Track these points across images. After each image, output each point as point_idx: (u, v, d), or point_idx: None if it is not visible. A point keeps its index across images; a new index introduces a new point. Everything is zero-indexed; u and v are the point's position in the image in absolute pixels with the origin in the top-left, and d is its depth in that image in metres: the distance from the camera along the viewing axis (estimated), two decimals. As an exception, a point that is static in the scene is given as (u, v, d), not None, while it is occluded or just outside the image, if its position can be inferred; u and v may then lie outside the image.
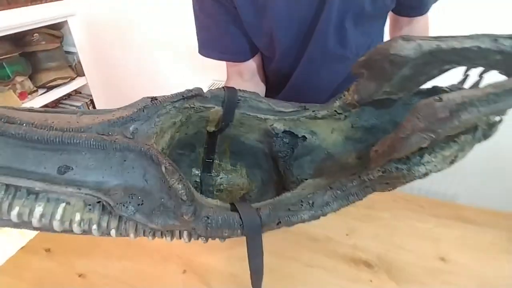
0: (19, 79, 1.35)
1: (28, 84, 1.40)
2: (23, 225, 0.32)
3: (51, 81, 1.46)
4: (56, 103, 1.60)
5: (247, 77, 0.65)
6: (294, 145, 0.46)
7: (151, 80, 1.64)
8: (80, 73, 1.63)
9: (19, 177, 0.28)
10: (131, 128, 0.32)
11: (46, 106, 1.51)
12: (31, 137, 0.28)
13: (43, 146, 0.29)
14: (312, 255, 0.55)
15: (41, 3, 1.40)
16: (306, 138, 0.46)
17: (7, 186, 0.29)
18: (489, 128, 0.34)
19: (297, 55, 0.59)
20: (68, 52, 1.61)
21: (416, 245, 0.58)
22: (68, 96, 1.66)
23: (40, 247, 0.64)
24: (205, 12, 0.59)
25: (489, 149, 1.22)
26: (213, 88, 0.45)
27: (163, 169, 0.28)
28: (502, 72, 0.33)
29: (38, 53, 1.43)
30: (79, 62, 1.61)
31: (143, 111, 0.33)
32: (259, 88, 0.68)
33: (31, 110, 0.33)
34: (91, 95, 1.69)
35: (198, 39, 0.63)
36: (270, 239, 0.39)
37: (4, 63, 1.29)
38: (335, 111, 0.43)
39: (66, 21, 1.50)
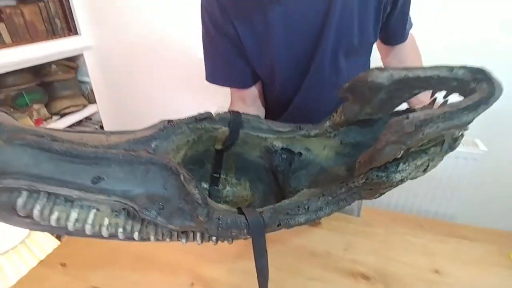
0: (36, 106, 1.43)
1: (44, 112, 1.48)
2: (58, 229, 0.36)
3: (65, 108, 1.55)
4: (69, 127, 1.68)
5: (249, 102, 0.72)
6: (291, 160, 0.52)
7: (158, 107, 1.73)
8: (91, 100, 1.72)
9: (60, 186, 0.33)
10: (152, 145, 0.37)
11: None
12: (71, 152, 0.34)
13: (81, 160, 0.34)
14: (312, 269, 0.59)
15: (60, 37, 1.51)
16: (302, 154, 0.52)
17: (49, 194, 0.34)
18: (454, 142, 0.40)
19: (296, 83, 0.66)
20: (81, 82, 1.71)
21: (411, 258, 0.62)
22: (79, 122, 1.74)
23: (57, 262, 0.68)
24: (212, 43, 0.66)
25: (488, 172, 1.27)
26: (220, 112, 0.51)
27: (182, 178, 0.33)
28: (459, 94, 0.39)
29: (54, 83, 1.52)
30: (91, 90, 1.70)
31: (163, 131, 0.39)
32: (260, 112, 0.74)
33: (68, 130, 0.39)
34: (101, 121, 1.77)
35: (205, 67, 0.70)
36: (273, 255, 0.43)
37: (23, 92, 1.38)
38: (326, 130, 0.50)
39: (82, 54, 1.61)
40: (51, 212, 0.34)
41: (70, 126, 1.69)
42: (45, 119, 1.48)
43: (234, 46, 0.64)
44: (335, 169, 0.50)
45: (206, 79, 0.71)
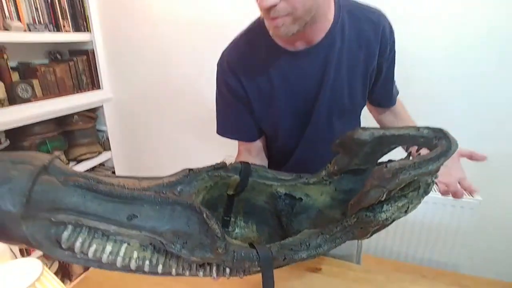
0: (56, 153, 1.54)
1: (63, 158, 1.58)
2: (93, 262, 0.41)
3: (82, 155, 1.65)
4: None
5: (254, 154, 0.81)
6: (293, 205, 0.59)
7: (168, 154, 1.83)
8: (106, 148, 1.83)
9: (100, 222, 0.39)
10: (178, 189, 0.45)
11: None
12: (112, 193, 0.41)
13: (120, 200, 0.41)
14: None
15: (84, 91, 1.68)
16: (302, 199, 0.59)
17: (90, 229, 0.40)
18: (427, 187, 0.48)
19: (296, 139, 0.76)
20: (98, 130, 1.84)
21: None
22: (93, 168, 1.83)
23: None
24: (224, 102, 0.77)
25: (485, 221, 1.30)
26: (232, 162, 0.59)
27: (205, 215, 0.40)
28: (426, 148, 0.48)
29: (75, 131, 1.65)
30: (107, 138, 1.83)
31: (187, 177, 0.47)
32: (264, 162, 0.83)
33: (108, 175, 0.47)
34: (113, 168, 1.86)
35: (217, 121, 0.80)
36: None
37: (47, 140, 1.50)
38: (323, 178, 0.57)
39: (102, 105, 1.76)
40: (90, 245, 0.39)
41: (85, 172, 1.78)
42: (63, 165, 1.57)
43: (243, 106, 0.74)
44: (331, 212, 0.57)
45: (217, 132, 0.80)
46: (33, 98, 1.43)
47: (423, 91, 1.29)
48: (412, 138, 0.49)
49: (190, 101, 1.65)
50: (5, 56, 1.37)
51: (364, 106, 0.80)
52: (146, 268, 0.42)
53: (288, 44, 0.67)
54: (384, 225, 0.49)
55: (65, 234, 0.38)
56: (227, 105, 0.77)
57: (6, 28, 1.31)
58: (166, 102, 1.72)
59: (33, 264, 1.14)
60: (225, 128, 0.80)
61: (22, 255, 1.38)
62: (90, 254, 0.39)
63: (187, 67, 1.59)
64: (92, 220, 0.39)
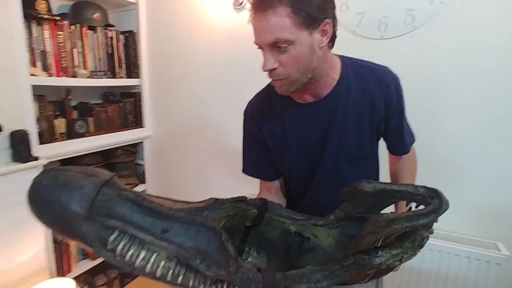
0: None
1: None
2: (128, 265, 0.47)
3: (120, 185, 1.82)
4: (118, 203, 1.92)
5: (273, 192, 0.89)
6: (302, 243, 0.64)
7: (197, 188, 1.95)
8: (141, 180, 1.99)
9: (140, 231, 0.48)
10: (204, 214, 0.54)
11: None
12: (153, 209, 0.50)
13: (158, 216, 0.50)
14: None
15: (129, 129, 1.89)
16: (310, 239, 0.64)
17: (131, 236, 0.48)
18: (422, 240, 0.53)
19: (307, 181, 0.83)
20: (137, 164, 2.02)
21: None
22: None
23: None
24: (248, 145, 0.88)
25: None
26: (252, 198, 0.68)
27: (223, 237, 0.48)
28: (422, 205, 0.54)
29: (117, 164, 1.83)
30: (144, 172, 1.99)
31: (213, 204, 0.56)
32: (281, 200, 0.90)
33: (151, 195, 0.57)
34: (146, 199, 2.00)
35: (243, 162, 0.91)
36: None
37: (92, 170, 1.68)
38: (330, 222, 0.64)
39: (142, 141, 1.96)
40: (128, 250, 0.47)
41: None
42: (103, 193, 1.73)
43: (262, 150, 0.85)
44: (335, 254, 0.62)
45: (242, 171, 0.91)
46: (87, 133, 1.65)
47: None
48: (409, 194, 0.55)
49: (219, 141, 1.79)
50: (69, 97, 1.62)
51: (375, 153, 0.85)
52: (169, 277, 0.48)
53: (298, 97, 0.77)
54: (379, 269, 0.53)
55: (112, 237, 0.47)
56: (250, 148, 0.89)
57: (74, 75, 1.57)
58: (197, 142, 1.88)
59: (68, 283, 1.26)
60: (249, 167, 0.90)
61: (58, 275, 1.50)
62: (127, 258, 0.47)
63: (219, 111, 1.77)
64: (134, 229, 0.48)
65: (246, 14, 1.57)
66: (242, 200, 0.63)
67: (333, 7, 0.67)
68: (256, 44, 0.67)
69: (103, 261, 1.75)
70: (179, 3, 1.75)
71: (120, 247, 0.47)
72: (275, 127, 0.81)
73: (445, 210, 0.49)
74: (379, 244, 0.50)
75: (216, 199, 0.59)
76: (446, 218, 1.31)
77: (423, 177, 1.32)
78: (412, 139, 0.89)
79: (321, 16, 0.63)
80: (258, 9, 0.61)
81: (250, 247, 0.66)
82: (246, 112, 0.86)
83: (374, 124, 0.79)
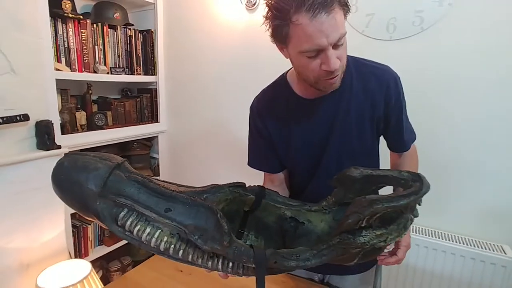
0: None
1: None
2: (136, 240, 0.53)
3: (135, 177, 1.91)
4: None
5: (277, 184, 0.94)
6: (297, 227, 0.68)
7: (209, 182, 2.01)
8: (156, 173, 2.08)
9: (146, 209, 0.53)
10: (204, 196, 0.59)
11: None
12: (158, 190, 0.55)
13: (162, 196, 0.55)
14: None
15: (145, 123, 1.98)
16: (305, 223, 0.68)
17: (138, 213, 0.54)
18: (406, 222, 0.55)
19: (310, 175, 0.87)
20: (151, 157, 2.11)
21: None
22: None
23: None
24: (254, 140, 0.93)
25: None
26: (251, 185, 0.72)
27: (219, 215, 0.53)
28: (404, 187, 0.57)
29: (132, 156, 1.92)
30: (158, 165, 2.08)
31: (213, 188, 0.61)
32: (285, 192, 0.94)
33: (158, 179, 0.62)
34: (159, 191, 2.08)
35: (248, 155, 0.96)
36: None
37: (110, 161, 1.78)
38: (323, 207, 0.67)
39: (157, 136, 2.04)
40: (135, 225, 0.53)
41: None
42: (119, 184, 1.83)
43: (267, 144, 0.89)
44: (327, 238, 0.64)
45: (248, 164, 0.96)
46: (106, 126, 1.74)
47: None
48: (394, 179, 0.58)
49: (230, 138, 1.85)
50: (90, 91, 1.72)
51: (376, 150, 0.88)
52: (171, 251, 0.53)
53: (303, 93, 0.81)
54: (365, 250, 0.56)
55: (121, 214, 0.53)
56: (255, 142, 0.93)
57: (95, 71, 1.67)
58: (209, 138, 1.95)
59: (84, 264, 1.35)
60: (254, 160, 0.95)
61: (76, 257, 1.60)
62: (135, 233, 0.53)
63: (230, 109, 1.82)
64: (141, 207, 0.54)
65: (258, 14, 1.62)
66: (240, 185, 0.67)
67: None
68: (315, 49, 0.65)
69: (117, 248, 1.85)
70: (194, 4, 1.82)
71: (128, 223, 0.53)
72: (280, 122, 0.85)
73: (425, 192, 0.51)
74: (363, 224, 0.52)
75: (216, 185, 0.64)
76: (452, 219, 1.33)
77: (429, 179, 1.34)
78: (413, 137, 0.91)
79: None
80: (322, 9, 0.60)
81: (249, 231, 0.70)
82: (252, 107, 0.91)
83: (374, 122, 0.81)
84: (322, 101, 0.80)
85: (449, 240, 1.32)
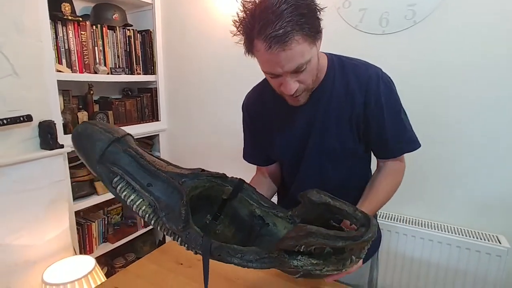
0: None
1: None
2: (123, 201, 0.62)
3: (137, 175, 1.94)
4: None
5: (266, 175, 0.97)
6: (262, 227, 0.70)
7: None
8: (157, 171, 2.11)
9: (133, 180, 0.61)
10: (183, 180, 0.63)
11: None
12: (144, 167, 0.62)
13: (147, 172, 0.62)
14: None
15: (146, 122, 2.01)
16: (269, 225, 0.70)
17: (127, 182, 0.62)
18: (345, 261, 0.55)
19: (293, 171, 0.89)
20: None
21: None
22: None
23: (111, 286, 0.91)
24: (245, 134, 0.97)
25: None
26: (234, 177, 0.72)
27: (182, 202, 0.58)
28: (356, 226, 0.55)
29: (134, 155, 1.96)
30: (159, 163, 2.11)
31: (192, 174, 0.65)
32: (275, 182, 0.97)
33: (151, 154, 0.67)
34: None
35: (243, 150, 1.00)
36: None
37: (112, 159, 1.81)
38: (288, 216, 0.68)
39: (158, 134, 2.08)
40: (124, 190, 0.62)
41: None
42: (121, 182, 1.87)
43: (255, 139, 0.92)
44: (271, 248, 0.65)
45: (243, 158, 1.00)
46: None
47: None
48: (348, 215, 0.56)
49: (230, 135, 1.88)
50: (91, 92, 1.76)
51: (360, 152, 0.83)
52: (146, 219, 0.62)
53: None
54: (304, 272, 0.57)
55: (115, 179, 0.62)
56: (245, 137, 0.97)
57: (95, 71, 1.70)
58: (210, 135, 1.98)
59: (88, 260, 1.39)
60: (246, 154, 0.99)
61: (80, 253, 1.65)
62: (122, 196, 0.62)
63: (230, 107, 1.85)
64: (129, 178, 0.62)
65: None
66: (220, 176, 0.69)
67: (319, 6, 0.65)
68: (272, 73, 0.67)
69: (121, 245, 1.89)
70: (192, 3, 1.85)
71: (119, 187, 0.62)
72: (265, 120, 0.88)
73: (366, 241, 0.50)
74: (301, 250, 0.53)
75: (202, 170, 0.68)
76: (447, 210, 1.35)
77: (424, 170, 1.36)
78: (404, 147, 0.81)
79: (320, 24, 0.65)
80: (277, 43, 0.59)
81: (225, 216, 0.73)
82: (243, 104, 0.94)
83: (353, 124, 0.78)
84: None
85: (444, 231, 1.33)
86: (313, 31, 0.62)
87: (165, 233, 0.63)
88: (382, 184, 0.81)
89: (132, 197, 0.62)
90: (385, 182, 0.81)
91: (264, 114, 0.87)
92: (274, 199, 0.97)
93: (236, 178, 0.72)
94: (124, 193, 0.62)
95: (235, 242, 0.63)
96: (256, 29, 0.61)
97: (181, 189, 0.60)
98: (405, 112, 0.81)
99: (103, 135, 0.63)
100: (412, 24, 1.30)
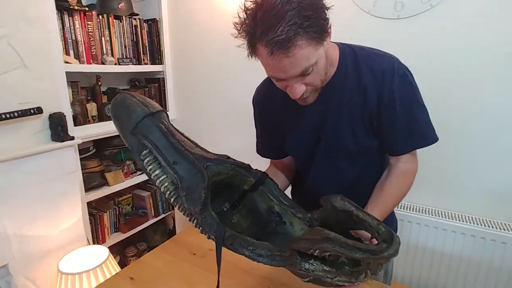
0: (127, 162, 1.85)
1: (132, 167, 1.89)
2: (148, 174, 0.64)
3: (147, 165, 1.95)
4: (145, 182, 2.06)
5: (280, 168, 0.95)
6: (279, 224, 0.70)
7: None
8: (167, 161, 2.12)
9: (160, 156, 0.62)
10: (207, 164, 0.64)
11: (138, 184, 1.96)
12: (173, 145, 0.64)
13: (175, 150, 0.63)
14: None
15: (154, 112, 2.00)
16: (286, 223, 0.69)
17: (154, 156, 0.63)
18: (359, 275, 0.53)
19: (307, 166, 0.86)
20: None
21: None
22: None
23: (127, 276, 0.92)
24: (258, 129, 0.95)
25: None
26: (258, 169, 0.73)
27: (204, 185, 0.58)
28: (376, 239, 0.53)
29: (143, 145, 1.96)
30: (168, 153, 2.11)
31: (218, 160, 0.66)
32: (285, 180, 0.94)
33: (181, 133, 0.68)
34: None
35: (256, 143, 0.98)
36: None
37: (121, 150, 1.82)
38: (306, 219, 0.67)
39: (166, 125, 2.07)
40: (150, 164, 0.64)
41: (146, 180, 2.08)
42: (132, 173, 1.88)
43: (267, 133, 0.91)
44: (284, 246, 0.64)
45: (256, 152, 0.98)
46: (116, 116, 1.77)
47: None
48: (371, 228, 0.53)
49: (238, 124, 1.86)
50: (99, 83, 1.75)
51: (374, 148, 0.79)
52: (167, 195, 0.64)
53: None
54: (308, 275, 0.55)
55: (144, 152, 0.64)
56: (257, 131, 0.95)
57: (103, 62, 1.69)
58: (217, 124, 1.97)
59: (102, 250, 1.41)
60: (259, 148, 0.97)
61: (93, 243, 1.67)
62: (148, 169, 0.64)
63: (238, 96, 1.83)
64: (157, 153, 0.64)
65: None
66: (244, 167, 0.69)
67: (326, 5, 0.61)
68: (276, 78, 0.65)
69: (133, 235, 1.92)
70: (198, -10, 1.81)
71: (146, 160, 0.64)
72: (275, 116, 0.85)
73: (386, 258, 0.47)
74: (315, 254, 0.51)
75: (228, 157, 0.69)
76: (461, 199, 1.33)
77: (439, 158, 1.33)
78: (417, 143, 0.77)
79: (328, 23, 0.61)
80: (279, 49, 0.57)
81: (243, 206, 0.73)
82: (253, 98, 0.91)
83: (366, 120, 0.74)
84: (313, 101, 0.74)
85: (459, 220, 1.31)
86: (319, 33, 0.58)
87: (182, 213, 0.64)
88: (393, 187, 0.76)
89: (157, 171, 0.63)
90: (396, 184, 0.77)
91: (273, 110, 0.85)
92: (288, 191, 0.96)
93: (260, 171, 0.71)
94: (150, 167, 0.63)
95: (248, 234, 0.63)
96: (257, 33, 0.58)
97: (204, 172, 0.61)
98: (422, 105, 0.76)
99: (139, 108, 0.65)
100: (429, 8, 1.25)
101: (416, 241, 1.38)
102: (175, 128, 0.69)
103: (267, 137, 0.92)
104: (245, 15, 0.61)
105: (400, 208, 1.43)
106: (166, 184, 0.63)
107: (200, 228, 0.63)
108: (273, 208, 0.70)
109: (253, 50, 0.63)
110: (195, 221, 0.63)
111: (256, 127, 0.95)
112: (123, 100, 0.67)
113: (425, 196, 1.43)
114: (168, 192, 0.63)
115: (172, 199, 0.63)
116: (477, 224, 1.28)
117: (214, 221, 0.61)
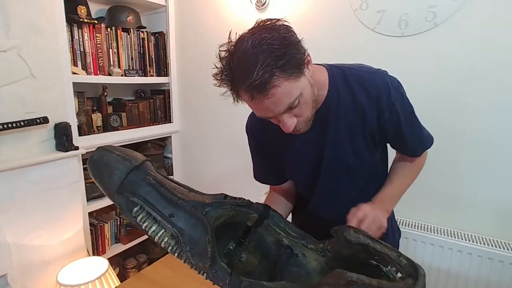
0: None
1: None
2: (144, 232, 0.60)
3: (150, 176, 1.95)
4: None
5: (280, 193, 0.93)
6: (290, 257, 0.66)
7: (220, 183, 2.03)
8: (169, 173, 2.11)
9: (153, 211, 0.58)
10: (206, 209, 0.60)
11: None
12: (166, 196, 0.59)
13: (169, 202, 0.59)
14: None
15: (159, 124, 2.01)
16: (298, 256, 0.65)
17: (147, 212, 0.59)
18: None
19: (309, 190, 0.85)
20: (165, 157, 2.15)
21: None
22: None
23: None
24: (253, 155, 0.92)
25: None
26: (259, 202, 0.70)
27: (208, 238, 0.55)
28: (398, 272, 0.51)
29: (146, 156, 1.96)
30: (171, 165, 2.11)
31: (216, 203, 0.62)
32: (289, 201, 0.93)
33: (172, 181, 0.64)
34: (173, 190, 2.13)
35: (253, 170, 0.95)
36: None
37: (125, 161, 1.82)
38: (319, 249, 0.63)
39: (170, 136, 2.08)
40: (144, 221, 0.59)
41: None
42: (134, 183, 1.88)
43: (264, 159, 0.88)
44: (314, 278, 0.62)
45: (254, 178, 0.95)
46: (120, 127, 1.79)
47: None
48: (391, 260, 0.51)
49: (242, 138, 1.85)
50: (105, 93, 1.77)
51: (376, 160, 0.81)
52: (169, 250, 0.59)
53: None
54: None
55: (135, 210, 0.59)
56: (253, 157, 0.93)
57: (109, 73, 1.71)
58: (221, 137, 1.97)
59: (102, 262, 1.39)
60: (256, 175, 0.95)
61: (93, 254, 1.66)
62: (143, 227, 0.60)
63: (241, 109, 1.82)
64: (149, 208, 0.59)
65: (268, 14, 1.62)
66: (245, 205, 0.66)
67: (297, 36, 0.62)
68: (266, 117, 0.65)
69: (133, 246, 1.90)
70: (205, 5, 1.83)
71: (139, 217, 0.59)
72: (271, 144, 0.83)
73: None
74: None
75: (225, 196, 0.65)
76: (469, 218, 1.30)
77: (446, 176, 1.32)
78: (424, 145, 0.83)
79: (303, 55, 0.61)
80: (258, 93, 0.57)
81: (249, 242, 0.70)
82: (246, 126, 0.89)
83: (367, 136, 0.75)
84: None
85: (466, 240, 1.28)
86: (295, 68, 0.58)
87: (189, 267, 0.60)
88: (406, 169, 0.85)
89: (153, 228, 0.59)
90: (408, 168, 0.85)
91: (268, 138, 0.83)
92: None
93: (261, 204, 0.68)
94: (145, 224, 0.59)
95: (260, 270, 0.61)
96: (236, 80, 0.59)
97: (204, 221, 0.58)
98: (413, 109, 0.80)
99: (120, 164, 0.59)
100: (433, 26, 1.25)
101: (421, 260, 1.35)
102: (163, 176, 0.65)
103: (265, 164, 0.89)
104: (221, 65, 0.62)
105: (405, 225, 1.41)
106: (166, 239, 0.59)
107: (212, 282, 0.59)
108: (282, 241, 0.67)
109: (237, 95, 0.63)
110: (205, 275, 0.59)
111: (252, 155, 0.92)
112: (101, 157, 0.61)
113: (430, 214, 1.41)
114: (170, 247, 0.59)
115: (176, 254, 0.59)
116: (485, 244, 1.25)
117: (227, 273, 0.57)
